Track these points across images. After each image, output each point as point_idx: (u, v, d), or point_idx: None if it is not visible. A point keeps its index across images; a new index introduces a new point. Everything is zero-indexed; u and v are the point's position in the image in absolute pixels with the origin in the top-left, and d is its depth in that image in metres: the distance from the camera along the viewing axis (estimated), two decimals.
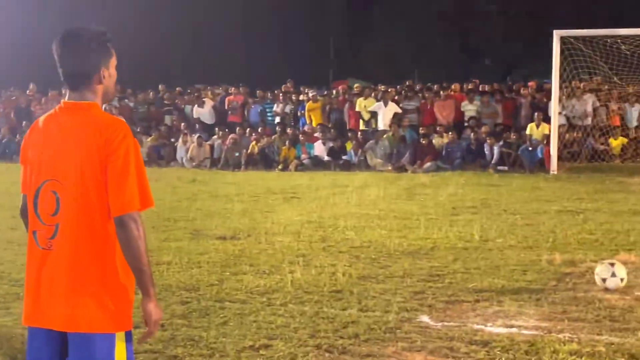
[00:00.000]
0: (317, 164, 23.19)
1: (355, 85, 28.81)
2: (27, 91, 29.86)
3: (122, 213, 3.33)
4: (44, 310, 3.47)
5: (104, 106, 3.68)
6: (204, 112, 26.96)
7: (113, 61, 3.68)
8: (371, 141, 23.06)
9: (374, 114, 24.16)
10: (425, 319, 6.93)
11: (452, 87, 26.06)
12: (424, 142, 22.67)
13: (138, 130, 26.30)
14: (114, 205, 3.35)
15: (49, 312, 3.45)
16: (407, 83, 27.40)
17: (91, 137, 3.40)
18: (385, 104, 24.23)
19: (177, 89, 29.66)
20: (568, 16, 41.39)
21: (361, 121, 24.45)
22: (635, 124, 23.59)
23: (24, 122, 27.36)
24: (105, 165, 3.36)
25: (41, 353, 3.54)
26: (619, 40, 21.75)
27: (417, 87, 26.72)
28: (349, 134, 24.11)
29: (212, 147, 24.63)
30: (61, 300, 3.42)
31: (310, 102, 25.68)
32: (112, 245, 3.43)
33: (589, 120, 23.28)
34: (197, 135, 24.83)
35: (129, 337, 3.54)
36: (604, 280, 7.87)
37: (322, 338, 6.37)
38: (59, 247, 3.44)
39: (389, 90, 25.73)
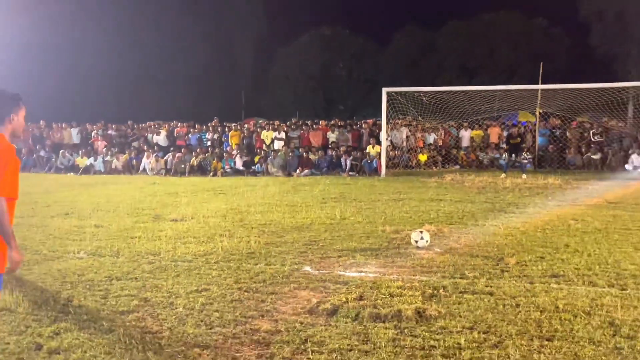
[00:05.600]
0: (235, 172, 22.96)
1: (260, 121, 28.82)
2: (39, 124, 28.52)
3: None
4: None
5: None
6: (160, 138, 26.34)
7: (22, 112, 3.87)
8: (270, 157, 22.98)
9: (272, 140, 24.23)
10: (307, 268, 6.95)
11: (321, 122, 26.40)
12: (304, 157, 22.73)
13: (116, 150, 25.57)
14: None
15: None
16: (293, 120, 27.41)
17: None
18: (279, 133, 24.34)
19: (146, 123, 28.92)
20: (390, 77, 42.46)
21: (264, 144, 24.40)
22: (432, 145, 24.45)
23: (37, 145, 26.44)
24: None
25: None
26: (421, 94, 22.39)
27: (299, 123, 26.83)
28: (256, 152, 24.04)
29: (166, 161, 24.07)
30: None
31: (232, 131, 25.58)
32: None
33: (404, 144, 23.90)
34: (155, 153, 24.28)
35: None
36: (416, 241, 8.08)
37: (242, 283, 6.32)
38: None
39: (282, 125, 25.81)
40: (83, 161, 24.79)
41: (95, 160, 24.71)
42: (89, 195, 15.34)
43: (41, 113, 30.29)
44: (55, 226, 10.19)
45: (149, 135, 26.87)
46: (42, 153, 26.30)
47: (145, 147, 25.34)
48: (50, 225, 10.34)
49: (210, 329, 4.98)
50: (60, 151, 25.81)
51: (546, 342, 4.57)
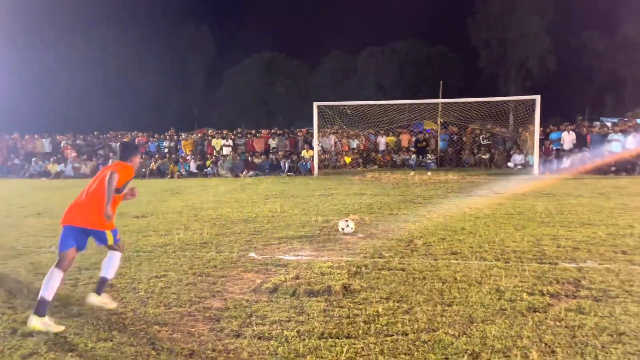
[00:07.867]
0: (190, 174, 22.44)
1: (210, 130, 28.30)
2: (13, 136, 26.96)
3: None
4: None
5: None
6: None
7: (137, 158, 4.95)
8: (220, 161, 22.59)
9: (221, 147, 23.83)
10: (252, 254, 6.85)
11: (263, 131, 26.15)
12: (249, 160, 22.46)
13: (85, 157, 24.51)
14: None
15: None
16: (239, 129, 27.08)
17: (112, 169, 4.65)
18: (227, 141, 23.96)
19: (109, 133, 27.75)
20: (320, 93, 42.62)
21: (214, 150, 23.96)
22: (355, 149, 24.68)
23: (12, 154, 25.03)
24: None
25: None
26: (346, 107, 22.60)
27: (245, 132, 26.52)
28: (207, 157, 23.56)
29: None
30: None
31: (184, 140, 24.98)
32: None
33: (332, 148, 24.02)
34: None
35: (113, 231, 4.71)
36: (343, 229, 8.12)
37: (196, 269, 6.17)
38: None
39: (229, 133, 25.40)
40: (54, 167, 23.61)
41: (65, 166, 23.59)
42: (59, 197, 14.60)
43: (15, 125, 28.72)
44: (29, 225, 9.65)
45: (113, 144, 25.89)
46: (16, 161, 24.87)
47: (110, 154, 24.42)
48: (24, 224, 9.78)
49: (169, 308, 4.84)
50: (33, 159, 24.48)
51: (447, 307, 4.70)
